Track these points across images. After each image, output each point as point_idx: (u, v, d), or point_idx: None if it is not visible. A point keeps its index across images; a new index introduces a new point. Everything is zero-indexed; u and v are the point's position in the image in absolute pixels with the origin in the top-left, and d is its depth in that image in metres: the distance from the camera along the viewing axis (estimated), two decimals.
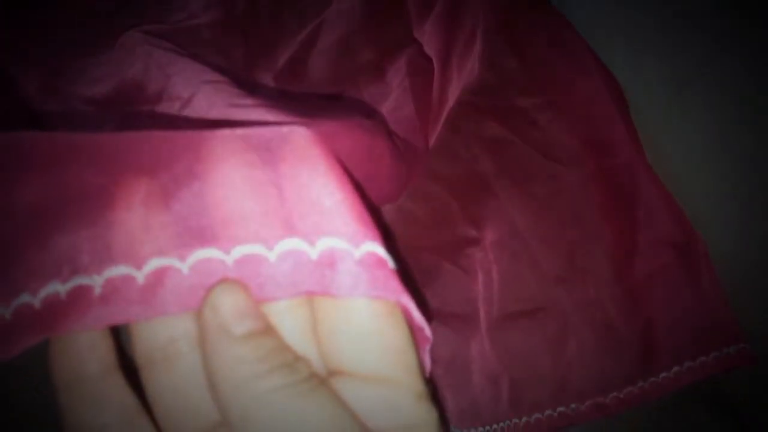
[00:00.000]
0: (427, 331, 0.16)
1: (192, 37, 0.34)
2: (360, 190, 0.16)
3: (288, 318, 0.15)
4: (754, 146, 0.24)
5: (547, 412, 0.27)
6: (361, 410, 0.14)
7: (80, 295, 0.14)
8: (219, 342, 0.14)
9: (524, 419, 0.27)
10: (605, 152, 0.28)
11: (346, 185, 0.16)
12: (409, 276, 0.28)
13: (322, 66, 0.34)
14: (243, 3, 0.35)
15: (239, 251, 0.15)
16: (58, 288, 0.14)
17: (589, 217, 0.28)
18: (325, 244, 0.15)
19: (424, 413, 0.15)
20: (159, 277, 0.14)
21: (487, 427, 0.28)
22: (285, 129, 0.16)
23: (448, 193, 0.30)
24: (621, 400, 0.26)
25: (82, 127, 0.31)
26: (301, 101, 0.33)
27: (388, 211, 0.31)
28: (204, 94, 0.29)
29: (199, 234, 0.15)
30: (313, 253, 0.15)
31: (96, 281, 0.14)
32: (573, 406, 0.27)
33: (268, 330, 0.14)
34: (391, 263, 0.15)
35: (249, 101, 0.29)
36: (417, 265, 0.30)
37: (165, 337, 0.14)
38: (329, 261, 0.15)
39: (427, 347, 0.17)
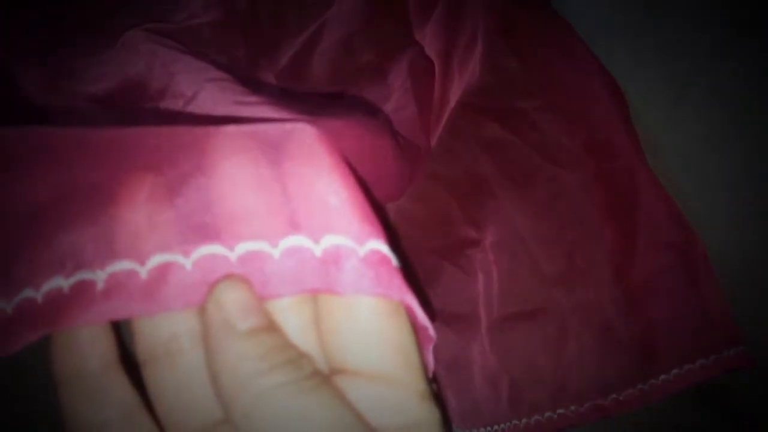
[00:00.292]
0: (431, 330, 0.16)
1: (193, 36, 0.34)
2: (364, 188, 0.16)
3: (292, 315, 0.15)
4: (754, 148, 0.24)
5: (547, 414, 0.27)
6: (363, 408, 0.14)
7: (83, 289, 0.14)
8: (222, 338, 0.14)
9: (524, 421, 0.27)
10: (605, 154, 0.28)
11: (351, 183, 0.16)
12: (412, 275, 0.28)
13: (324, 66, 0.34)
14: (243, 3, 0.35)
15: (243, 248, 0.14)
16: (61, 283, 0.14)
17: (589, 218, 0.28)
18: (329, 241, 0.15)
19: (427, 413, 0.15)
20: (162, 272, 0.14)
21: (488, 428, 0.28)
22: (290, 126, 0.16)
23: (448, 194, 0.30)
24: (620, 402, 0.26)
25: (86, 124, 0.31)
26: (306, 100, 0.33)
27: (388, 211, 0.31)
28: (208, 92, 0.29)
29: (203, 230, 0.15)
30: (318, 250, 0.15)
31: (99, 276, 0.14)
32: (572, 407, 0.27)
33: (271, 327, 0.14)
34: (395, 262, 0.15)
35: (253, 99, 0.29)
36: (418, 266, 0.30)
37: (167, 333, 0.14)
38: (333, 258, 0.15)
39: (431, 347, 0.17)
